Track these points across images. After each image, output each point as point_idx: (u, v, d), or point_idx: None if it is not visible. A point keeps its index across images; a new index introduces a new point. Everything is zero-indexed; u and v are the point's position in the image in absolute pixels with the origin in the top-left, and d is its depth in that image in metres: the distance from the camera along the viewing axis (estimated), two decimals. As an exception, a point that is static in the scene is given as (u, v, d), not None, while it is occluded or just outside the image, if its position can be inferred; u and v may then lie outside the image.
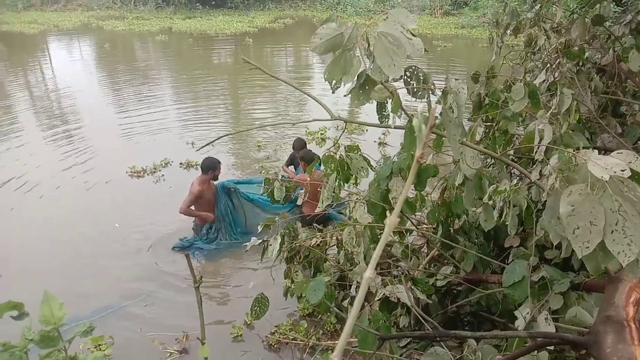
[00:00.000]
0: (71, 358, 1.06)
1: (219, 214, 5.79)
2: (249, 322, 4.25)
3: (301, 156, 5.83)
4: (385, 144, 8.50)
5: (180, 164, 7.77)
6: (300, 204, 3.71)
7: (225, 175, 7.36)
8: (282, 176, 5.19)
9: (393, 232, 3.33)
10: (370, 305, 2.65)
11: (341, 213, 5.74)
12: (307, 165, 5.53)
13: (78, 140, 9.07)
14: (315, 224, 3.82)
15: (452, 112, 1.88)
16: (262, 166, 7.66)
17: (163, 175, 7.48)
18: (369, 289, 3.24)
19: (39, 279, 4.87)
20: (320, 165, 2.88)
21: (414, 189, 2.99)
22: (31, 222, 6.11)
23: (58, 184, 7.16)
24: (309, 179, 3.60)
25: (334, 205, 5.67)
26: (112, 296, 4.71)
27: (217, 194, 5.73)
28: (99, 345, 3.89)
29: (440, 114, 1.91)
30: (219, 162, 5.71)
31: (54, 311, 1.05)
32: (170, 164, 7.78)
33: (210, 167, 5.60)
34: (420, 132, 0.40)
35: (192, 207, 5.56)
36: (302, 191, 3.67)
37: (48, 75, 14.94)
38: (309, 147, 8.38)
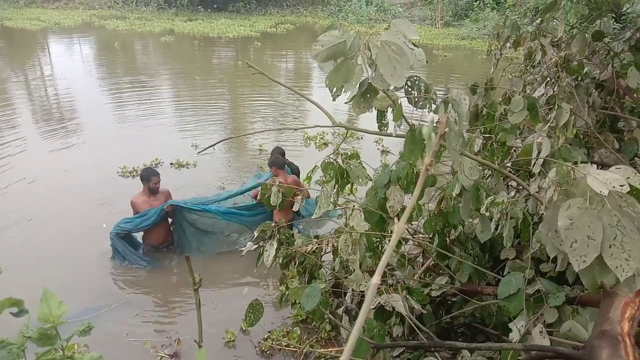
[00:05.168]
0: (68, 357, 1.05)
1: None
2: (244, 329, 4.22)
3: (271, 161, 5.57)
4: (388, 151, 8.50)
5: (171, 164, 7.76)
6: (296, 209, 3.69)
7: (226, 177, 7.36)
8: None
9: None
10: (364, 314, 2.63)
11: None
12: (278, 169, 5.46)
13: (73, 137, 9.08)
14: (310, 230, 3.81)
15: (453, 122, 1.88)
16: (260, 166, 7.65)
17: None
18: (362, 297, 3.22)
19: (21, 275, 4.79)
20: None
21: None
22: (18, 218, 6.04)
23: (48, 181, 7.13)
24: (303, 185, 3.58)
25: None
26: (99, 298, 4.64)
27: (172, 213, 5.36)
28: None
29: (441, 123, 1.91)
30: (156, 174, 5.35)
31: (52, 309, 1.04)
32: (161, 164, 7.76)
33: (144, 177, 5.31)
34: (430, 140, 0.40)
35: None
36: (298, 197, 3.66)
37: (47, 72, 14.89)
38: (308, 150, 8.44)
